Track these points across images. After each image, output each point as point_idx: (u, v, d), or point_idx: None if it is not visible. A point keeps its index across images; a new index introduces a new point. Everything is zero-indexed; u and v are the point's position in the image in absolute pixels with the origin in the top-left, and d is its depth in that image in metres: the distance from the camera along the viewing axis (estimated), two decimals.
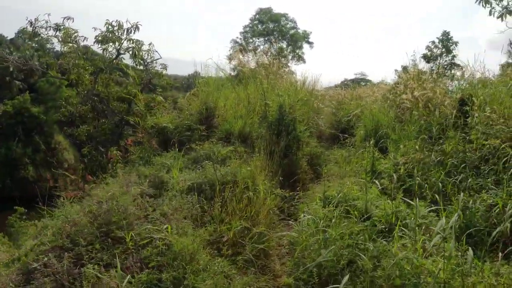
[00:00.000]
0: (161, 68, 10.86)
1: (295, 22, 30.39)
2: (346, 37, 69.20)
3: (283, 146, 6.15)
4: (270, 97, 6.85)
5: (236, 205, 3.76)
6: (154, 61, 10.52)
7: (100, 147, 9.29)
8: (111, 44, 8.05)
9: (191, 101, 8.45)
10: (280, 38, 28.25)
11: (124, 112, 9.79)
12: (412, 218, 3.92)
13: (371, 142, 6.05)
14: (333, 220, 3.56)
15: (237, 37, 28.05)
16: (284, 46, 28.53)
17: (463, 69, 10.99)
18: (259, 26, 29.55)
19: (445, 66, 12.79)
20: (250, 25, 29.94)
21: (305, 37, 30.38)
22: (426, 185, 4.80)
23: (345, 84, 20.08)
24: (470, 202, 4.10)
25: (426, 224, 3.81)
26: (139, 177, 4.84)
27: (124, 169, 5.59)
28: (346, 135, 9.34)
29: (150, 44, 10.11)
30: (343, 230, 3.51)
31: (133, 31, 8.00)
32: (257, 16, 30.14)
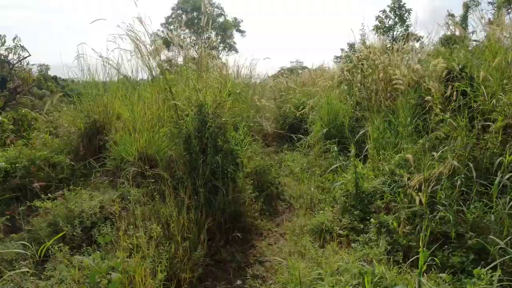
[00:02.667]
0: (39, 70, 7.80)
1: (221, 9, 27.73)
2: (278, 23, 67.34)
3: (208, 171, 3.65)
4: (183, 95, 4.28)
5: None
6: (23, 60, 7.40)
7: None
8: None
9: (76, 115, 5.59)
10: (207, 27, 25.29)
11: None
12: None
13: (352, 153, 3.75)
14: None
15: (159, 30, 24.67)
16: (213, 35, 25.76)
17: (421, 40, 9.30)
18: (184, 16, 26.42)
19: (402, 38, 11.19)
20: (173, 15, 26.74)
21: (235, 25, 27.79)
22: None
23: (281, 73, 18.02)
24: None
25: None
26: None
27: None
28: (300, 135, 7.07)
29: (15, 38, 7.00)
30: None
31: None
32: (180, 5, 26.94)
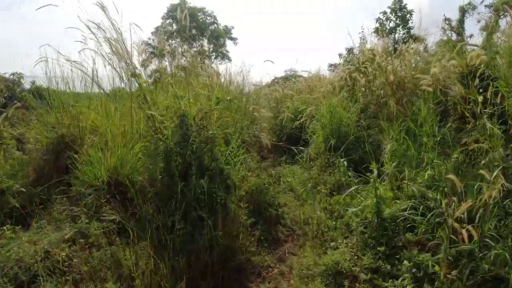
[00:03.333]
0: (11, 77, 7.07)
1: (214, 17, 27.09)
2: (272, 32, 66.43)
3: (191, 198, 2.91)
4: (163, 104, 3.55)
5: None
6: None
7: None
8: None
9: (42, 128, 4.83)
10: (199, 35, 24.60)
11: None
12: None
13: (374, 173, 3.01)
14: None
15: (149, 38, 23.93)
16: (205, 43, 25.07)
17: (425, 41, 8.69)
18: (174, 25, 25.78)
19: (404, 40, 10.54)
20: (163, 25, 26.12)
21: (227, 32, 27.10)
22: None
23: (276, 82, 17.31)
24: None
25: None
26: None
27: None
28: (300, 147, 6.35)
29: None
30: None
31: None
32: (170, 14, 26.29)
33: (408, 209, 2.86)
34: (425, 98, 3.68)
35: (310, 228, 3.69)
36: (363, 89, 5.76)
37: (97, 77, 4.78)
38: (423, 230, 2.62)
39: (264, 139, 6.04)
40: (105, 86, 4.99)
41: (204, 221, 2.85)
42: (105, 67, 4.58)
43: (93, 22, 3.32)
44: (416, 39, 7.26)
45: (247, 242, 3.32)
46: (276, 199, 4.58)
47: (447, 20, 18.24)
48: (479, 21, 21.75)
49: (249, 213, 3.85)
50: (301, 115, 7.18)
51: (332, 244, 3.14)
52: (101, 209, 3.00)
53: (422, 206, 2.73)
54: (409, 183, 3.02)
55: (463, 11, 22.39)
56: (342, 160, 4.35)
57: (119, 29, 3.60)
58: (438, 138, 3.28)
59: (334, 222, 3.55)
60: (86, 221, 2.71)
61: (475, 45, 7.73)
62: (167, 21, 26.21)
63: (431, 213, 2.61)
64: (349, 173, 4.31)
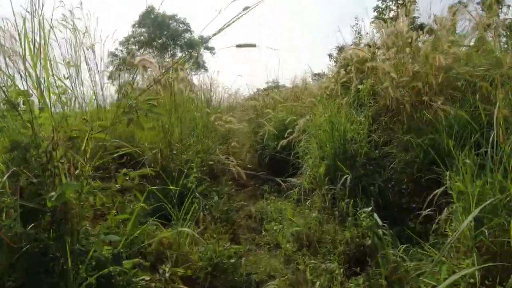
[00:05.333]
0: None
1: (187, 24, 25.12)
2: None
3: None
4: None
5: None
6: None
7: None
8: None
9: None
10: (172, 43, 22.63)
11: None
12: None
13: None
14: None
15: (117, 49, 21.68)
16: (178, 52, 23.08)
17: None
18: (146, 34, 23.71)
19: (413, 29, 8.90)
20: (134, 34, 24.07)
21: (203, 42, 25.27)
22: None
23: (258, 94, 15.50)
24: None
25: None
26: None
27: None
28: (290, 178, 4.45)
29: None
30: None
31: None
32: (142, 22, 24.23)
33: None
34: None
35: None
36: (387, 82, 3.89)
37: None
38: None
39: (234, 167, 4.12)
40: None
41: None
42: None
43: None
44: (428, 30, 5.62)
45: None
46: (252, 275, 2.68)
47: (436, 19, 16.85)
48: (470, 20, 20.62)
49: None
50: (288, 129, 5.30)
51: None
52: None
53: None
54: None
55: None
56: (368, 209, 2.44)
57: None
58: None
59: None
60: None
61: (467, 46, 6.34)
62: (139, 30, 24.25)
63: None
64: (382, 231, 2.40)
